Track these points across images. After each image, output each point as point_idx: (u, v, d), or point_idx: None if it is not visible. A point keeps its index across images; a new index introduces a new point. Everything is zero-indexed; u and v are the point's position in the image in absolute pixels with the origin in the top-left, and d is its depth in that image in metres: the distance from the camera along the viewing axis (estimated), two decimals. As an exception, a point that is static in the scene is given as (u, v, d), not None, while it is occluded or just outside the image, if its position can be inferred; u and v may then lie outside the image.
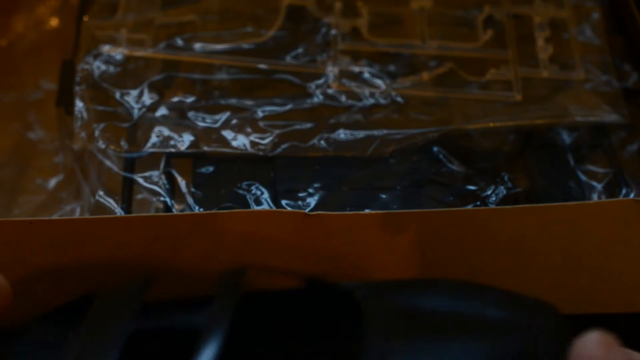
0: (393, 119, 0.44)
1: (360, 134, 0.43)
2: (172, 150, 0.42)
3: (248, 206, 0.41)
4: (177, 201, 0.41)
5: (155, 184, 0.42)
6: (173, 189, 0.42)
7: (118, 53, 0.46)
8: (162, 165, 0.42)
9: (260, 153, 0.42)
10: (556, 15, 0.49)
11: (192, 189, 0.41)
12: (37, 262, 0.36)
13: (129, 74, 0.46)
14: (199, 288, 0.36)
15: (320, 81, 0.46)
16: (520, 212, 0.37)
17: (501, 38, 0.48)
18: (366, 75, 0.46)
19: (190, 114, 0.44)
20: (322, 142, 0.43)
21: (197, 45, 0.47)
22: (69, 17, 0.51)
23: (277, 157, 0.43)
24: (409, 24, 0.48)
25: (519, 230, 0.37)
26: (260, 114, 0.44)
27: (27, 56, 0.52)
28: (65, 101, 0.44)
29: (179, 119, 0.44)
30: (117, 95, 0.44)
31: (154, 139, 0.43)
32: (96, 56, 0.46)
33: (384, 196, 0.41)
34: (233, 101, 0.45)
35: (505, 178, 0.42)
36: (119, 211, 0.40)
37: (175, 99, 0.45)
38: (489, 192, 0.42)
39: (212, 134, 0.43)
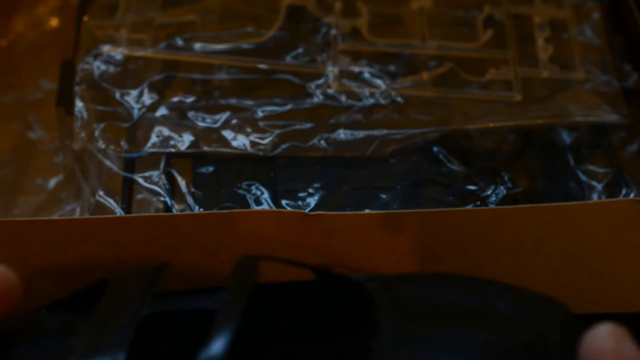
0: (393, 119, 0.44)
1: (360, 134, 0.43)
2: (172, 150, 0.42)
3: (248, 206, 0.41)
4: (177, 201, 0.41)
5: (155, 184, 0.42)
6: (173, 189, 0.42)
7: (118, 53, 0.46)
8: (162, 165, 0.42)
9: (260, 153, 0.42)
10: (556, 15, 0.49)
11: (192, 189, 0.41)
12: (37, 262, 0.36)
13: (129, 74, 0.45)
14: (199, 288, 0.36)
15: (320, 81, 0.46)
16: (520, 212, 0.37)
17: (501, 38, 0.48)
18: (366, 75, 0.46)
19: (190, 114, 0.44)
20: (322, 142, 0.43)
21: (197, 45, 0.47)
22: (69, 17, 0.51)
23: (277, 157, 0.43)
24: (409, 24, 0.48)
25: (519, 230, 0.37)
26: (260, 114, 0.44)
27: (27, 56, 0.52)
28: (65, 101, 0.44)
29: (179, 119, 0.44)
30: (117, 95, 0.44)
31: (154, 139, 0.43)
32: (96, 56, 0.46)
33: (384, 196, 0.41)
34: (233, 101, 0.45)
35: (505, 178, 0.42)
36: (119, 211, 0.40)
37: (175, 99, 0.45)
38: (489, 192, 0.42)
39: (212, 134, 0.43)
